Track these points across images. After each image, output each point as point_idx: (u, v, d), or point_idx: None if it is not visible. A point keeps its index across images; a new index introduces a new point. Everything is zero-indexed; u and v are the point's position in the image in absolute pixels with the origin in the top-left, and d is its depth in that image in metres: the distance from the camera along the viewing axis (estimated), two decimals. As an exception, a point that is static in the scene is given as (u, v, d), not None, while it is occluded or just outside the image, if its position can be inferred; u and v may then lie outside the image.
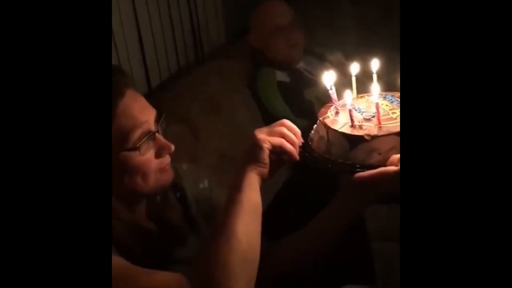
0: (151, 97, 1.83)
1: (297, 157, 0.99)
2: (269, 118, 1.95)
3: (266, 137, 0.96)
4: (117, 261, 0.91)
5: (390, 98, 1.07)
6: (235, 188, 0.94)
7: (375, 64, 1.09)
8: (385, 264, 1.42)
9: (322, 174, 1.09)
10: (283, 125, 0.99)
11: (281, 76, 2.00)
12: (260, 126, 1.92)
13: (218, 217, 0.96)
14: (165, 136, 1.04)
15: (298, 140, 1.00)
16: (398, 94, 1.06)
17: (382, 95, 1.08)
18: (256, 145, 0.96)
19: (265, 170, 0.97)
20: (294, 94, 1.93)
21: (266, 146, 0.96)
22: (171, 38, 2.08)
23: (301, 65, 2.06)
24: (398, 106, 1.03)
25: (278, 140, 0.97)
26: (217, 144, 1.78)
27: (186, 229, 1.11)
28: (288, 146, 0.97)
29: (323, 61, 2.12)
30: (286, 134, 0.98)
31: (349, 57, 2.14)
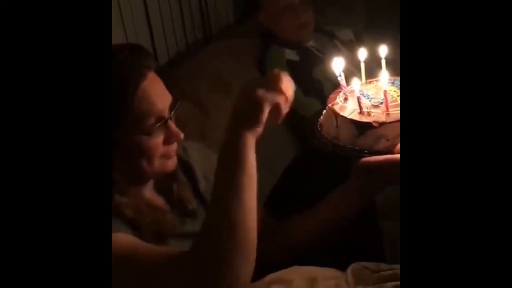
0: (160, 75, 1.84)
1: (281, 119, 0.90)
2: None
3: (266, 96, 0.85)
4: (130, 240, 0.93)
5: (398, 83, 1.08)
6: (232, 154, 0.86)
7: (383, 50, 1.10)
8: (393, 242, 1.45)
9: (330, 155, 1.12)
10: (281, 80, 0.87)
11: (290, 54, 1.98)
12: None
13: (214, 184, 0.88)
14: (176, 117, 1.05)
15: (290, 97, 0.90)
16: None
17: (390, 80, 1.09)
18: (257, 105, 0.85)
19: (260, 131, 0.88)
20: (303, 73, 1.92)
21: (267, 106, 0.86)
22: (179, 16, 2.06)
23: (310, 43, 2.04)
24: (406, 92, 1.04)
25: (277, 99, 0.87)
26: (226, 122, 1.79)
27: (195, 204, 1.13)
28: (284, 107, 0.89)
29: (332, 39, 2.11)
30: (284, 91, 0.88)
31: (359, 35, 2.13)
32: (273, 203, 1.71)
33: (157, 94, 1.00)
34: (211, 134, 1.71)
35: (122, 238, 0.92)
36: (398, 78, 1.09)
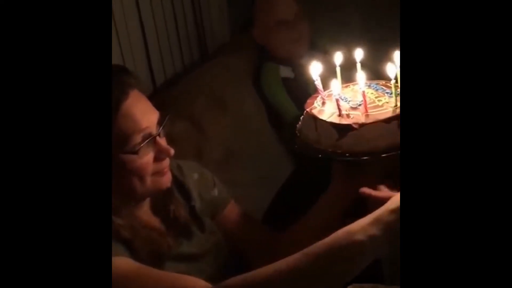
0: (156, 95, 1.83)
1: None
2: (274, 114, 1.96)
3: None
4: (130, 264, 0.93)
5: (375, 86, 1.08)
6: (349, 251, 0.81)
7: (359, 53, 1.11)
8: (392, 259, 1.42)
9: (326, 166, 1.11)
10: None
11: (285, 71, 1.97)
12: (265, 121, 1.93)
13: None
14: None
15: None
16: (383, 82, 1.07)
17: (366, 83, 1.10)
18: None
19: None
20: (298, 90, 1.89)
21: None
22: (175, 36, 2.07)
23: (305, 60, 2.04)
24: (383, 94, 1.05)
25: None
26: (222, 139, 1.77)
27: (191, 225, 1.13)
28: None
29: (327, 55, 2.10)
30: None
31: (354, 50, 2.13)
32: (271, 218, 1.71)
33: (141, 111, 0.99)
34: (207, 151, 1.71)
35: (122, 262, 0.92)
36: (373, 82, 1.09)
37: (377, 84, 1.09)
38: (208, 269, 1.09)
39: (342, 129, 0.99)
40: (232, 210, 1.24)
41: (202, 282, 0.89)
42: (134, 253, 0.98)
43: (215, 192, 1.21)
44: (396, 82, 1.06)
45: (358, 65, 1.10)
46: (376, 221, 0.80)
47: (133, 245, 0.99)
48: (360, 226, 0.81)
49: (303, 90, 1.91)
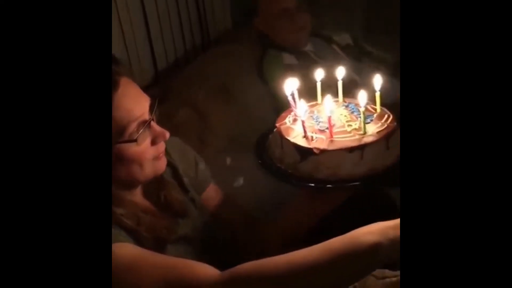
0: (159, 83, 1.83)
1: None
2: (277, 101, 1.92)
3: None
4: (138, 250, 0.93)
5: (353, 107, 1.01)
6: (360, 253, 0.78)
7: (340, 71, 1.04)
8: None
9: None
10: None
11: (288, 59, 1.95)
12: (268, 109, 1.91)
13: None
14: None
15: None
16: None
17: (345, 103, 1.03)
18: None
19: None
20: (303, 76, 1.88)
21: None
22: (177, 23, 2.06)
23: (308, 47, 2.00)
24: (357, 117, 0.98)
25: None
26: (225, 127, 1.77)
27: (184, 202, 1.12)
28: None
29: (330, 44, 2.05)
30: None
31: (357, 39, 2.06)
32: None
33: (133, 100, 0.98)
34: (210, 140, 1.71)
35: (128, 248, 0.92)
36: (355, 101, 1.02)
37: (356, 105, 1.02)
38: (205, 251, 1.09)
39: (304, 152, 0.95)
40: (213, 190, 1.22)
41: (210, 269, 0.87)
42: (137, 240, 0.98)
43: (198, 169, 1.19)
44: (374, 105, 1.00)
45: (340, 83, 1.04)
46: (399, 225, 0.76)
47: (136, 232, 0.99)
48: (379, 227, 0.77)
49: (307, 77, 1.88)
